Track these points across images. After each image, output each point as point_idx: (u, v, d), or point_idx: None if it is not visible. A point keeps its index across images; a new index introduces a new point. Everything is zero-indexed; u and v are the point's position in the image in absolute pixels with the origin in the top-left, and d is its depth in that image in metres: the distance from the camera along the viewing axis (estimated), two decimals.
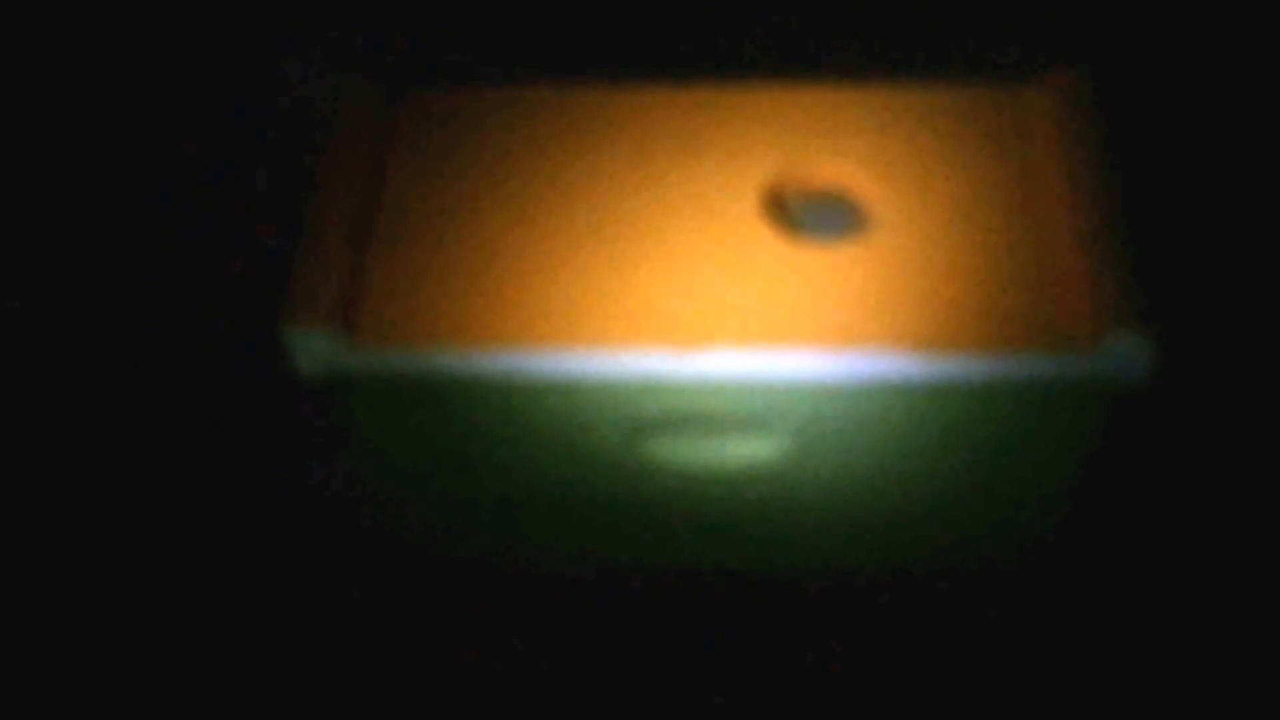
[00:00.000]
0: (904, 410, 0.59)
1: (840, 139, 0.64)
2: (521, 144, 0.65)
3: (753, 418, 0.60)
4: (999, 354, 0.56)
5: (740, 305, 0.58)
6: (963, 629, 0.67)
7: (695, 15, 0.93)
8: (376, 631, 0.68)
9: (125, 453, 0.75)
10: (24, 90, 0.91)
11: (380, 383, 0.59)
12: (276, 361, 0.77)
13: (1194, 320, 0.78)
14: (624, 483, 0.64)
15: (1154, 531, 0.70)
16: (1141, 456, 0.73)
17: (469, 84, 0.68)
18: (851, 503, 0.65)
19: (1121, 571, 0.69)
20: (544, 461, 0.63)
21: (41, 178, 0.87)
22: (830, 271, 0.59)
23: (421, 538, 0.68)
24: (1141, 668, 0.66)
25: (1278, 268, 0.80)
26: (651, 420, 0.60)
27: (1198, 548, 0.70)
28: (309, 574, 0.70)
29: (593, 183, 0.63)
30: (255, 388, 0.77)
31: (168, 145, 0.88)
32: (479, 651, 0.67)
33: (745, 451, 0.61)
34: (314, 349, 0.57)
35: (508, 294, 0.59)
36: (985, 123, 0.65)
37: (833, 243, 0.61)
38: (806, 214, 0.63)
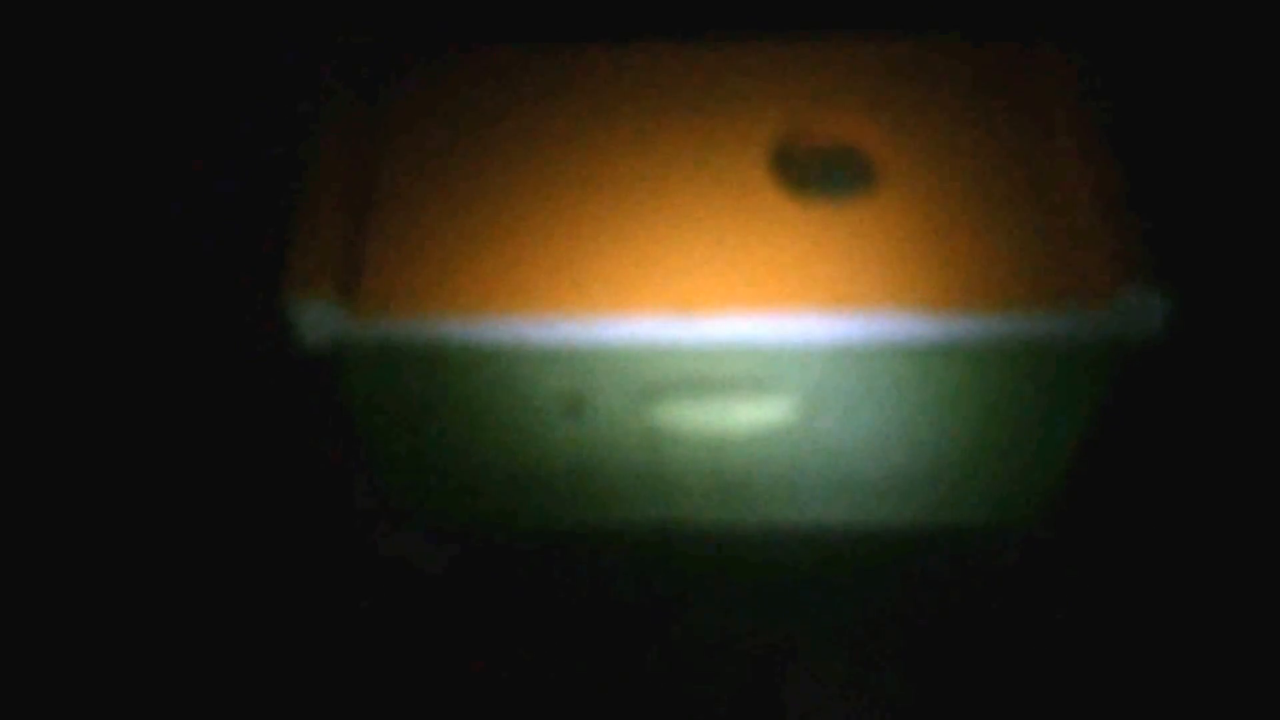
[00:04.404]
0: (917, 371, 0.59)
1: (850, 95, 0.63)
2: (524, 105, 0.63)
3: (762, 381, 0.59)
4: (1013, 312, 0.55)
5: (749, 268, 0.57)
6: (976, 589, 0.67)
7: None
8: (398, 625, 0.68)
9: (133, 436, 0.74)
10: (24, 90, 0.91)
11: (384, 352, 0.58)
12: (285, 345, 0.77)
13: (1209, 275, 0.77)
14: (633, 446, 0.63)
15: (1170, 485, 0.70)
16: (1159, 410, 0.72)
17: (468, 45, 0.66)
18: (865, 461, 0.64)
19: (1140, 527, 0.69)
20: (552, 427, 0.62)
21: (48, 169, 0.87)
22: (840, 231, 0.58)
23: (426, 507, 0.68)
24: (1156, 626, 0.66)
25: None
26: (659, 385, 0.60)
27: (1210, 500, 0.69)
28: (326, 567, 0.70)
29: (597, 144, 0.62)
30: (262, 374, 0.77)
31: (175, 143, 0.88)
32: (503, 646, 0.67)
33: (754, 414, 0.61)
34: (317, 319, 0.56)
35: (512, 260, 0.58)
36: (996, 79, 0.64)
37: (842, 200, 0.60)
38: (816, 171, 0.62)
